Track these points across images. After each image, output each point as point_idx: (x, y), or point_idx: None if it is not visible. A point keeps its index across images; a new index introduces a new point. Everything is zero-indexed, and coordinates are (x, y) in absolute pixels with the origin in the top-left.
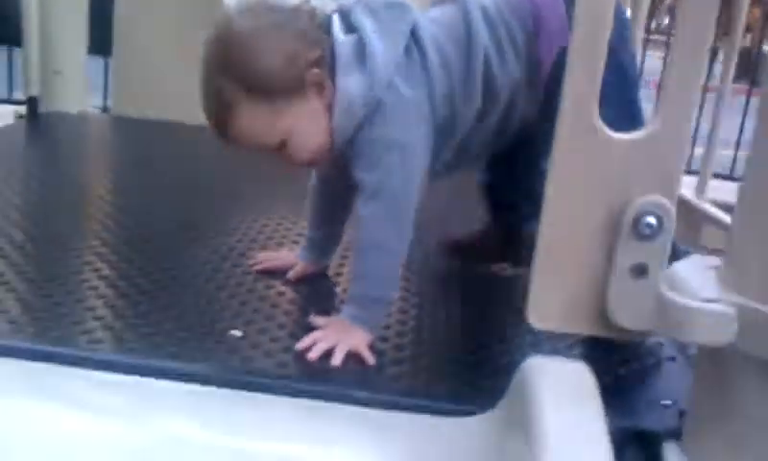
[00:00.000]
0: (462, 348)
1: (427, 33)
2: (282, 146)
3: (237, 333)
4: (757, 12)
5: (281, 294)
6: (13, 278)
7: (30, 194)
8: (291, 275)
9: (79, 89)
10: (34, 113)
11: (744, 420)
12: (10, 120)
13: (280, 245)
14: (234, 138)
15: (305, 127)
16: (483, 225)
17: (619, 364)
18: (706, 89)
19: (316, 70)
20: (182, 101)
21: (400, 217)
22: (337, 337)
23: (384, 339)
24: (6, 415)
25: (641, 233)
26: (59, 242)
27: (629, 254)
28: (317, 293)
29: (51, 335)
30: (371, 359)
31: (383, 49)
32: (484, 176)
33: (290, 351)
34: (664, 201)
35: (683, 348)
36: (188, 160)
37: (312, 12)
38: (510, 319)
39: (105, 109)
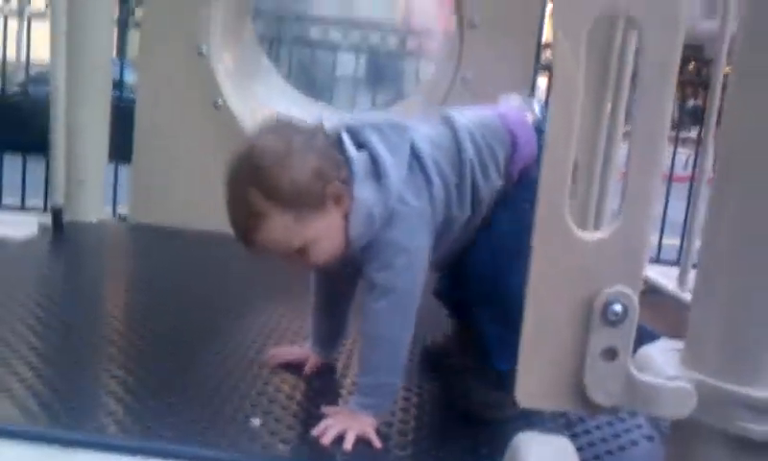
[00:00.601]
0: (459, 431)
1: (425, 149)
2: (304, 251)
3: (257, 422)
4: None
5: (294, 386)
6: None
7: (61, 303)
8: (307, 369)
9: (98, 199)
10: (58, 225)
11: None
12: (32, 228)
13: (293, 341)
14: (260, 244)
15: (326, 234)
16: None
17: (601, 440)
18: (669, 178)
19: (338, 184)
20: (198, 210)
21: (406, 312)
22: (346, 423)
23: (389, 425)
24: None
25: (610, 320)
26: (78, 349)
27: (600, 339)
28: (326, 384)
29: (88, 426)
30: (377, 442)
31: (393, 165)
32: (441, 284)
33: (305, 439)
34: (628, 291)
35: (659, 427)
36: (205, 267)
37: (324, 130)
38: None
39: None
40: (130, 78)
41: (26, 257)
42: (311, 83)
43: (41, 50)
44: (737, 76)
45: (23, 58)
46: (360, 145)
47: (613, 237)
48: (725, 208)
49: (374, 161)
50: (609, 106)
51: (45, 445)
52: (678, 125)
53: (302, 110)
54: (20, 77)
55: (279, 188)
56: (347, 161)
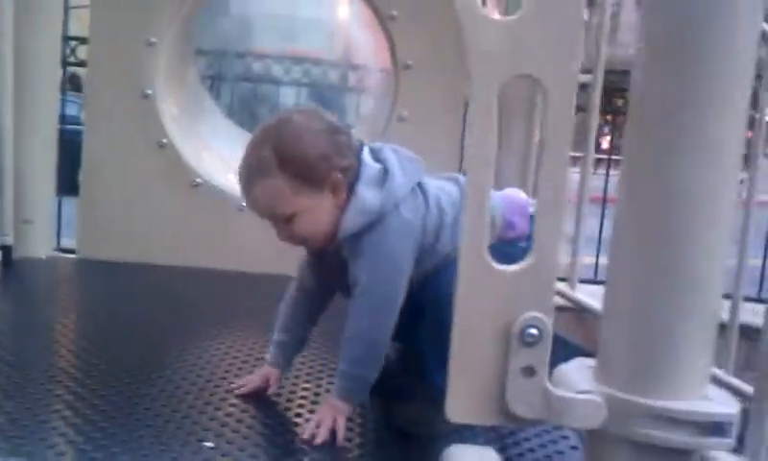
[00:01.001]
0: (395, 446)
1: (431, 185)
2: (290, 220)
3: (209, 445)
4: None
5: (244, 409)
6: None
7: (11, 336)
8: (271, 389)
9: (46, 235)
10: (8, 261)
11: None
12: None
13: (242, 368)
14: (255, 199)
15: (315, 213)
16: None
17: (529, 451)
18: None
19: (340, 176)
20: (144, 244)
21: (385, 312)
22: (332, 413)
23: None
24: None
25: (527, 342)
26: (32, 378)
27: (519, 359)
28: (273, 405)
29: (41, 452)
30: (341, 435)
31: (401, 180)
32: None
33: (256, 458)
34: (542, 316)
35: (582, 436)
36: (153, 299)
37: (350, 134)
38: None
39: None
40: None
41: None
42: (254, 116)
43: None
44: (632, 100)
45: None
46: (377, 160)
47: (526, 270)
48: (626, 228)
49: (385, 172)
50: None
51: None
52: (612, 149)
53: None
54: None
55: (290, 156)
56: (360, 165)
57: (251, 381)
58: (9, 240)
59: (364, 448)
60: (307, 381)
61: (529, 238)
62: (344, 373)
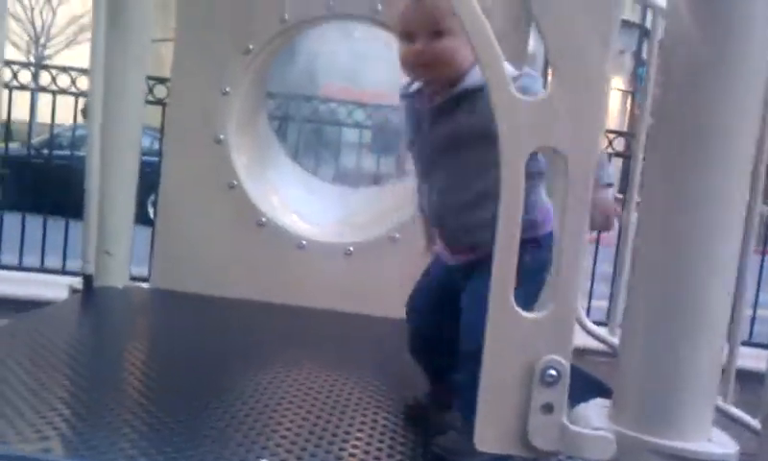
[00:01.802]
0: None
1: None
2: (439, 35)
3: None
4: None
5: (300, 426)
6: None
7: (84, 358)
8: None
9: (123, 266)
10: (89, 289)
11: None
12: (64, 291)
13: (304, 399)
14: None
15: (460, 42)
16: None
17: None
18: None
19: None
20: (214, 278)
21: None
22: None
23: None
24: None
25: (546, 381)
26: (104, 400)
27: (539, 396)
28: (326, 424)
29: None
30: None
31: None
32: (415, 343)
33: None
34: (561, 359)
35: None
36: (221, 329)
37: None
38: None
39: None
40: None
41: (59, 318)
42: (318, 156)
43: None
44: (649, 143)
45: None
46: None
47: (548, 317)
48: (641, 276)
49: None
50: None
51: None
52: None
53: (310, 191)
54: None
55: None
56: None
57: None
58: (91, 269)
59: None
60: (356, 409)
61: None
62: None
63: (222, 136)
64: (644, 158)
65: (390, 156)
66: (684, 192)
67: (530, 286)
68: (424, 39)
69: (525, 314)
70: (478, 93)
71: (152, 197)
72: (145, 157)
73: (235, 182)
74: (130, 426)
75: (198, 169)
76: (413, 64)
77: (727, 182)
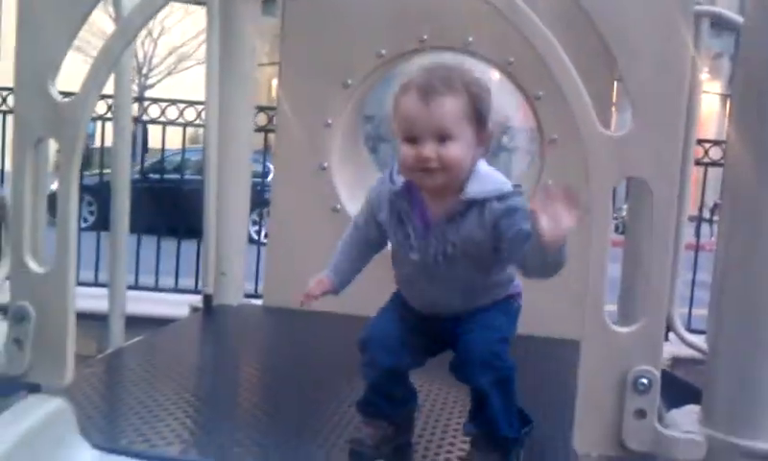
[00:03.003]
0: None
1: None
2: (445, 139)
3: None
4: None
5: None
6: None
7: (213, 371)
8: (314, 287)
9: (238, 285)
10: (209, 308)
11: None
12: (183, 309)
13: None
14: (433, 107)
15: (465, 146)
16: None
17: None
18: None
19: (491, 133)
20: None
21: None
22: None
23: None
24: None
25: (639, 390)
26: (221, 411)
27: (633, 403)
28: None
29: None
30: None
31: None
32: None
33: None
34: (651, 368)
35: None
36: (327, 343)
37: None
38: None
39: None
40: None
41: (186, 333)
42: None
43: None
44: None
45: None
46: None
47: (639, 330)
48: (728, 278)
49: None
50: None
51: None
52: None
53: None
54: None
55: (476, 89)
56: None
57: (311, 292)
58: (210, 290)
59: None
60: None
61: None
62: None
63: (325, 164)
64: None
65: None
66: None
67: (511, 328)
68: (430, 144)
69: (618, 329)
70: (485, 203)
71: (252, 215)
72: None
73: (338, 206)
74: (252, 428)
75: (304, 195)
76: (416, 168)
77: None
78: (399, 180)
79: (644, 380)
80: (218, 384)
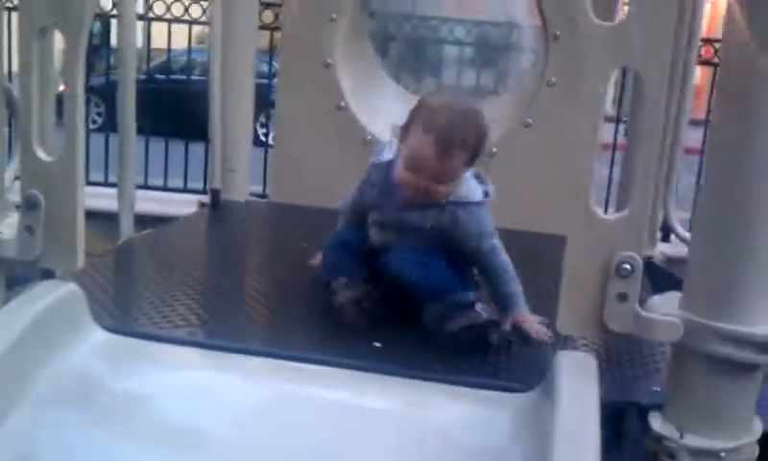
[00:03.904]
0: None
1: None
2: (445, 174)
3: (377, 344)
4: None
5: (404, 322)
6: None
7: (220, 260)
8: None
9: (244, 182)
10: (216, 203)
11: (694, 393)
12: (192, 208)
13: None
14: (443, 158)
15: (458, 180)
16: None
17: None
18: None
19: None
20: (324, 191)
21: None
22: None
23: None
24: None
25: (622, 275)
26: (227, 297)
27: (615, 287)
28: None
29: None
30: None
31: None
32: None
33: (414, 357)
34: (634, 255)
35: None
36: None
37: None
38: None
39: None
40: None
41: (195, 227)
42: (418, 73)
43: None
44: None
45: None
46: None
47: (623, 218)
48: (713, 181)
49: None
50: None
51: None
52: None
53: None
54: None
55: (478, 146)
56: None
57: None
58: (217, 185)
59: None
60: None
61: None
62: (518, 295)
63: (330, 61)
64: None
65: (489, 70)
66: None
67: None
68: (431, 172)
69: (604, 216)
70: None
71: (260, 118)
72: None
73: (342, 104)
74: (259, 313)
75: (309, 92)
76: (410, 189)
77: None
78: (387, 158)
79: (627, 266)
80: (225, 273)
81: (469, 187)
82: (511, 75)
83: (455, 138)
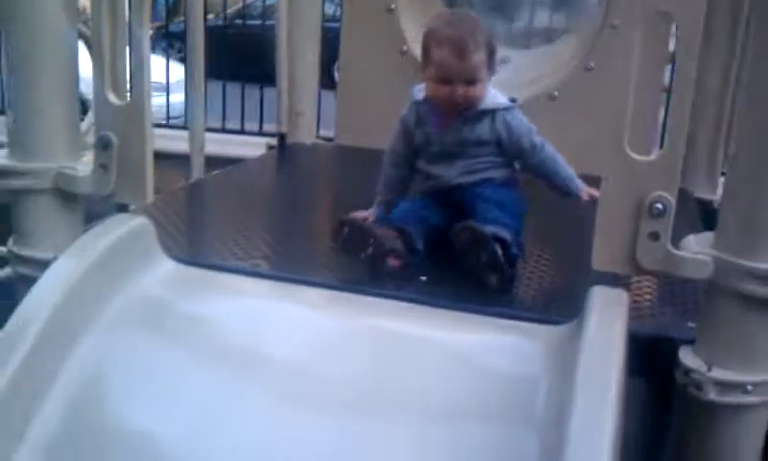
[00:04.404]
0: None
1: None
2: (473, 82)
3: (424, 278)
4: None
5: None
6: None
7: (285, 199)
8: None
9: (311, 125)
10: (283, 146)
11: (723, 329)
12: (262, 149)
13: None
14: (466, 63)
15: (485, 83)
16: None
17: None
18: None
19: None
20: (387, 134)
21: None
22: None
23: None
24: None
25: (654, 214)
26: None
27: (648, 226)
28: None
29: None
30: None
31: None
32: None
33: (457, 289)
34: (667, 195)
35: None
36: None
37: None
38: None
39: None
40: None
41: (261, 168)
42: (490, 8)
43: None
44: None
45: None
46: None
47: (658, 160)
48: (747, 128)
49: None
50: None
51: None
52: None
53: None
54: None
55: (490, 44)
56: None
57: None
58: (284, 128)
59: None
60: None
61: None
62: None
63: (393, 6)
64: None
65: (561, 12)
66: None
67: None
68: (461, 86)
69: (637, 157)
70: (495, 113)
71: (336, 63)
72: (327, 24)
73: (405, 48)
74: (323, 250)
75: (373, 37)
76: (447, 102)
77: None
78: (421, 94)
79: (659, 205)
80: (292, 210)
81: (499, 96)
82: (581, 17)
83: (466, 38)
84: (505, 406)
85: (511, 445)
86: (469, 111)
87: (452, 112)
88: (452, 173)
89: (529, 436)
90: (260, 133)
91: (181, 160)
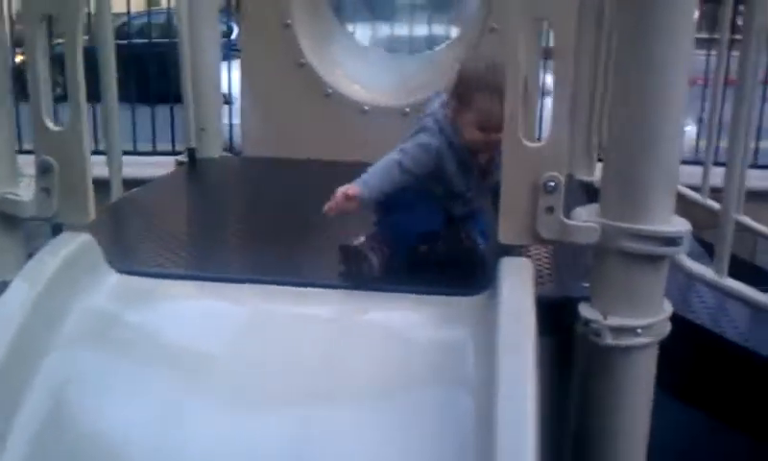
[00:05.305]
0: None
1: None
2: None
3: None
4: None
5: None
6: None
7: (199, 210)
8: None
9: (217, 140)
10: (193, 161)
11: (613, 284)
12: (167, 168)
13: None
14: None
15: None
16: None
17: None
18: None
19: None
20: (289, 144)
21: None
22: None
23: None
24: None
25: (548, 191)
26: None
27: (544, 201)
28: None
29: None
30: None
31: None
32: None
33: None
34: (557, 174)
35: None
36: (297, 183)
37: None
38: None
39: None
40: None
41: (175, 183)
42: (373, 9)
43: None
44: None
45: None
46: None
47: (546, 145)
48: (618, 85)
49: None
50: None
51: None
52: None
53: (369, 62)
54: None
55: None
56: None
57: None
58: (193, 144)
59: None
60: None
61: None
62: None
63: (289, 21)
64: None
65: (441, 17)
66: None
67: None
68: (497, 134)
69: (530, 144)
70: None
71: None
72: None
73: (303, 61)
74: (247, 250)
75: (271, 51)
76: (486, 148)
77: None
78: (455, 136)
79: (551, 183)
80: (212, 220)
81: None
82: (461, 22)
83: (504, 86)
84: (441, 372)
85: (451, 406)
86: (499, 159)
87: (489, 161)
88: (464, 208)
89: (466, 396)
90: (173, 153)
91: (97, 185)
